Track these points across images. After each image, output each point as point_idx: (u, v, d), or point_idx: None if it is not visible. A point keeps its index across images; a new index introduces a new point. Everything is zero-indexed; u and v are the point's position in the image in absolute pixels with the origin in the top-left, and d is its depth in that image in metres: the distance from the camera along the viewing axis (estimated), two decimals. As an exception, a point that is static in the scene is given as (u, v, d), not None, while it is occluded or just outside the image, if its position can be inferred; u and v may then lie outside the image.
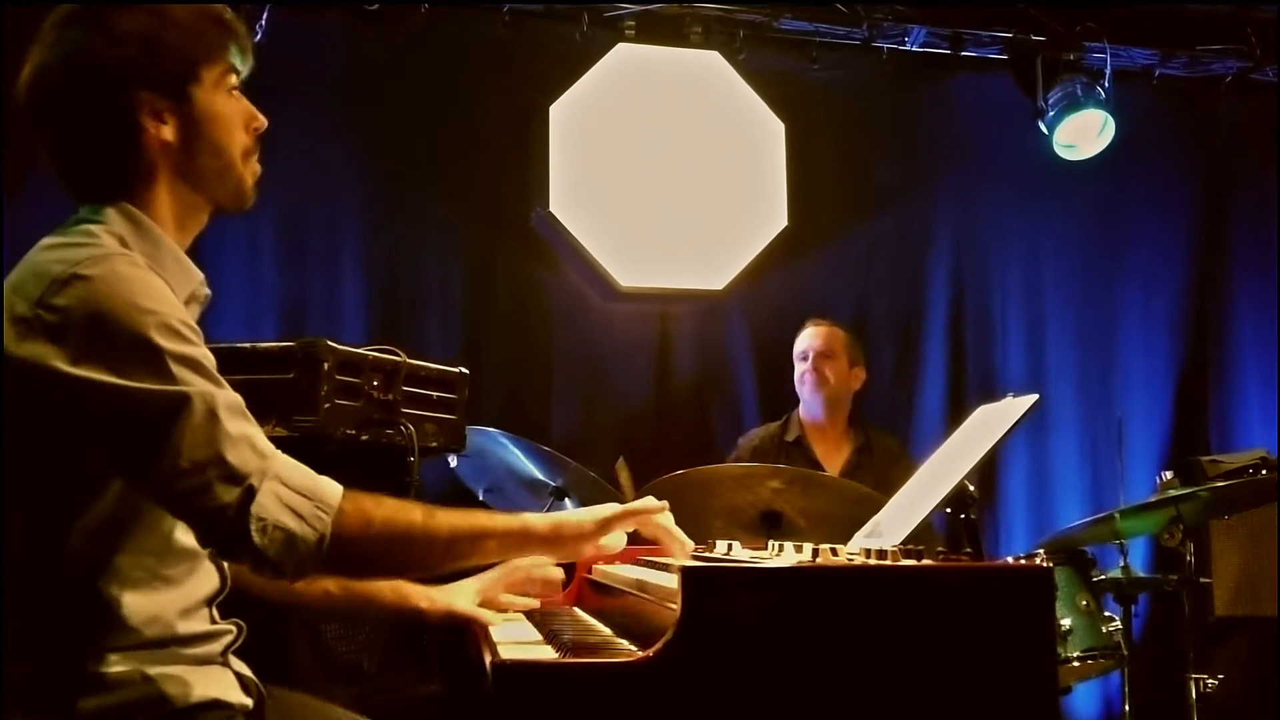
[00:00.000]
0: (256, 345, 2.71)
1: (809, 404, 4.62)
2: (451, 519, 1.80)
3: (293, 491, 1.65)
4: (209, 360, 1.68)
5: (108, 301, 1.62)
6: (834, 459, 4.56)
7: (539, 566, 2.41)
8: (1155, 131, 5.87)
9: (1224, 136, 5.97)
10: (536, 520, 1.93)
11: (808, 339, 4.64)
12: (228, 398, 1.66)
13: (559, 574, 2.47)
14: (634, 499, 4.08)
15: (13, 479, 1.68)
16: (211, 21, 1.85)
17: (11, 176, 4.04)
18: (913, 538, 2.15)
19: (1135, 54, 5.74)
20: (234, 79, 1.87)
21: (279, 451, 1.69)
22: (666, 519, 2.02)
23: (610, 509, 1.97)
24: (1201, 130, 5.96)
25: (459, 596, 2.29)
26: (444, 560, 1.83)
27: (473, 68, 5.18)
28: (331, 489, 1.69)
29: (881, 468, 4.35)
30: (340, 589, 2.16)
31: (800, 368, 4.61)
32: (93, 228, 1.74)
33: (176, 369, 1.62)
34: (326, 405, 2.68)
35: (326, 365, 2.69)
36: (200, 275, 1.87)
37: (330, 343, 2.72)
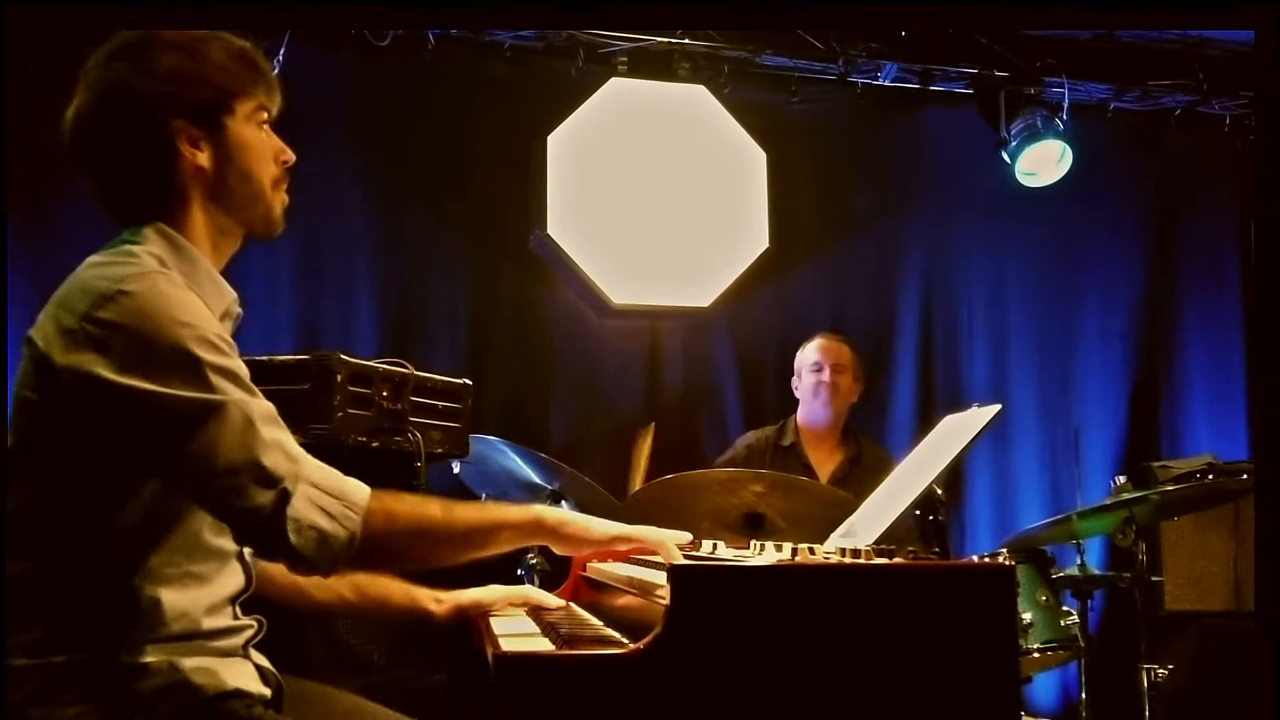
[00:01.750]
0: (274, 358, 2.72)
1: (814, 413, 4.56)
2: (468, 512, 1.83)
3: (323, 493, 1.66)
4: (244, 371, 1.69)
5: (150, 316, 1.63)
6: (826, 466, 4.54)
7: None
8: (1110, 161, 5.89)
9: (1174, 165, 5.99)
10: (546, 512, 1.96)
11: (822, 351, 4.57)
12: (262, 406, 1.68)
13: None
14: (644, 471, 4.07)
15: (57, 483, 1.69)
16: (244, 61, 1.88)
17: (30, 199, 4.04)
18: (893, 538, 2.16)
19: (1091, 88, 5.77)
20: (265, 115, 1.89)
21: (308, 455, 1.70)
22: (668, 547, 1.97)
23: (620, 529, 1.98)
24: (1153, 159, 5.99)
25: (466, 597, 2.30)
26: (463, 550, 1.84)
27: (476, 100, 5.19)
28: (359, 490, 1.71)
29: (869, 477, 4.27)
30: (355, 594, 2.16)
31: (812, 378, 4.54)
32: (134, 248, 1.75)
33: (214, 379, 1.64)
34: (339, 414, 2.69)
35: (339, 377, 2.70)
36: (234, 294, 1.89)
37: (343, 356, 2.73)
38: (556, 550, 2.01)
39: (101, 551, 1.69)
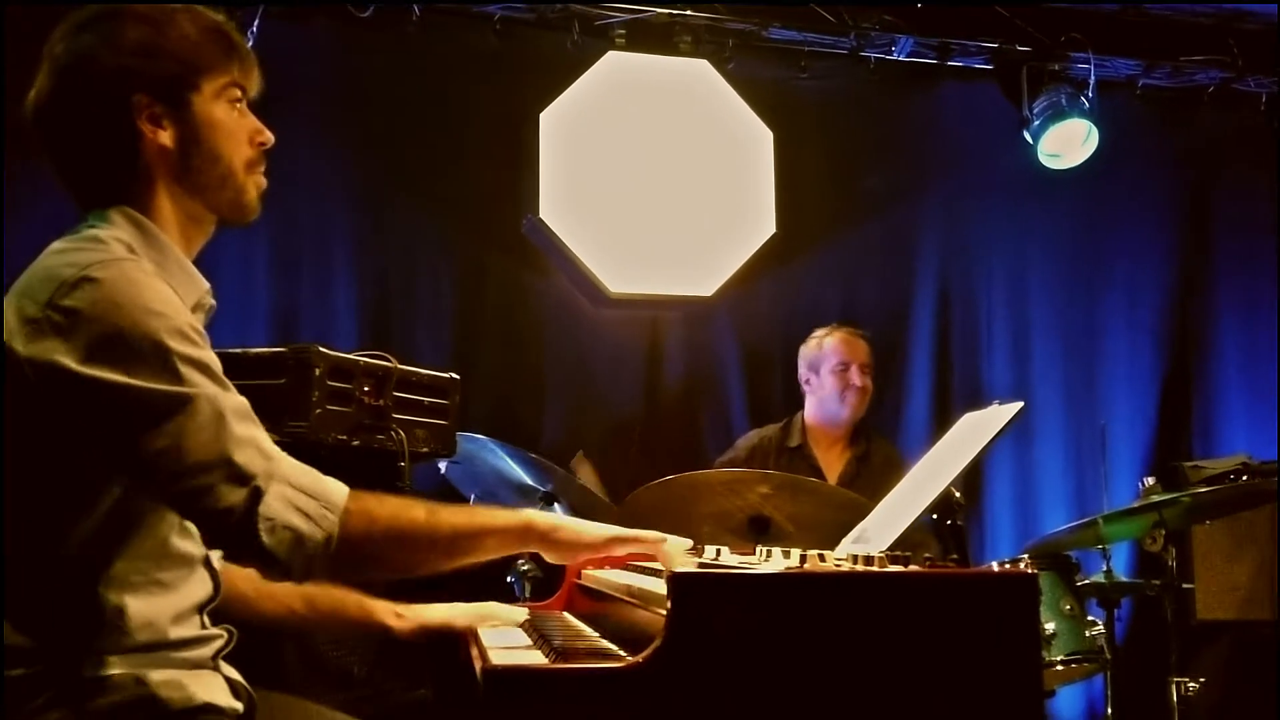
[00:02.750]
0: (249, 350, 2.71)
1: (834, 414, 4.53)
2: (453, 517, 1.82)
3: (299, 492, 1.66)
4: (216, 364, 1.69)
5: (117, 304, 1.63)
6: (834, 467, 4.53)
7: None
8: (1139, 141, 5.89)
9: (1206, 146, 5.99)
10: (537, 517, 1.94)
11: (849, 350, 4.54)
12: (234, 401, 1.68)
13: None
14: (603, 493, 4.06)
15: (16, 481, 1.68)
16: (216, 36, 1.87)
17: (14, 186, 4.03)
18: (909, 544, 2.15)
19: (1119, 64, 5.76)
20: (238, 93, 1.88)
21: (284, 453, 1.70)
22: (667, 552, 1.97)
23: (615, 531, 1.97)
24: (1184, 140, 5.99)
25: (430, 613, 2.28)
26: (447, 557, 1.83)
27: (464, 75, 5.18)
28: (337, 489, 1.71)
29: (878, 476, 4.24)
30: (304, 606, 2.16)
31: (837, 380, 4.50)
32: (100, 233, 1.75)
33: (185, 370, 1.63)
34: (318, 411, 2.68)
35: (318, 371, 2.69)
36: (206, 285, 1.88)
37: (322, 348, 2.72)
38: (549, 558, 2.00)
39: (63, 557, 1.69)
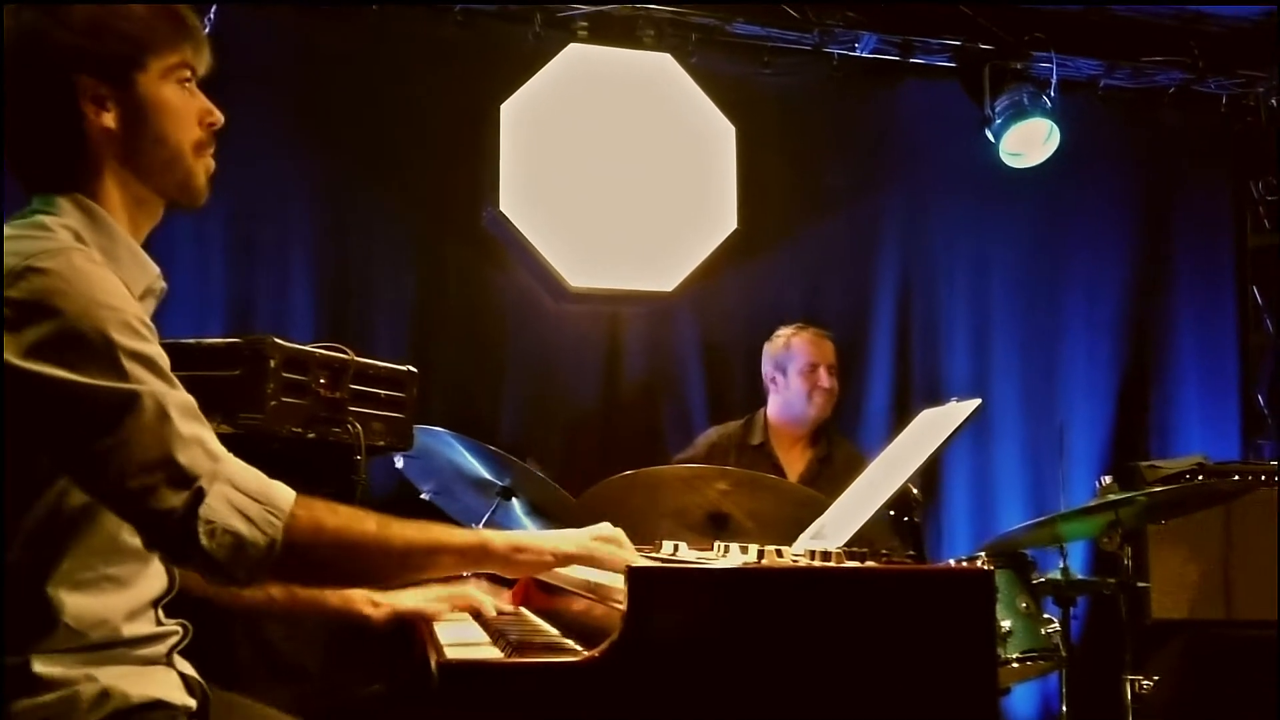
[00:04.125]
0: (202, 341, 2.68)
1: (801, 413, 4.52)
2: (407, 531, 1.77)
3: (243, 495, 1.63)
4: (163, 359, 1.66)
5: (63, 295, 1.60)
6: (795, 467, 4.53)
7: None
8: (1100, 141, 5.94)
9: (1166, 147, 6.07)
10: (495, 538, 1.89)
11: (819, 351, 4.54)
12: (180, 398, 1.65)
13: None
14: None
15: None
16: (165, 15, 1.83)
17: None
18: (866, 540, 2.17)
19: (1081, 64, 5.82)
20: (188, 73, 1.85)
21: (231, 455, 1.67)
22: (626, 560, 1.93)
23: (574, 544, 1.91)
24: (1144, 140, 6.05)
25: (404, 599, 2.28)
26: (397, 571, 1.82)
27: (424, 65, 5.16)
28: (284, 493, 1.67)
29: (840, 476, 4.22)
30: (284, 593, 2.14)
31: (804, 381, 4.49)
32: (46, 220, 1.72)
33: (130, 366, 1.60)
34: (272, 403, 2.66)
35: (273, 362, 2.67)
36: (156, 269, 1.85)
37: (277, 340, 2.70)
38: (508, 576, 1.98)
39: (8, 554, 1.66)
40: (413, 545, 1.78)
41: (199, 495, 1.60)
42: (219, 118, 1.89)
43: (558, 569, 1.97)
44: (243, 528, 1.62)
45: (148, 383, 1.61)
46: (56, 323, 1.59)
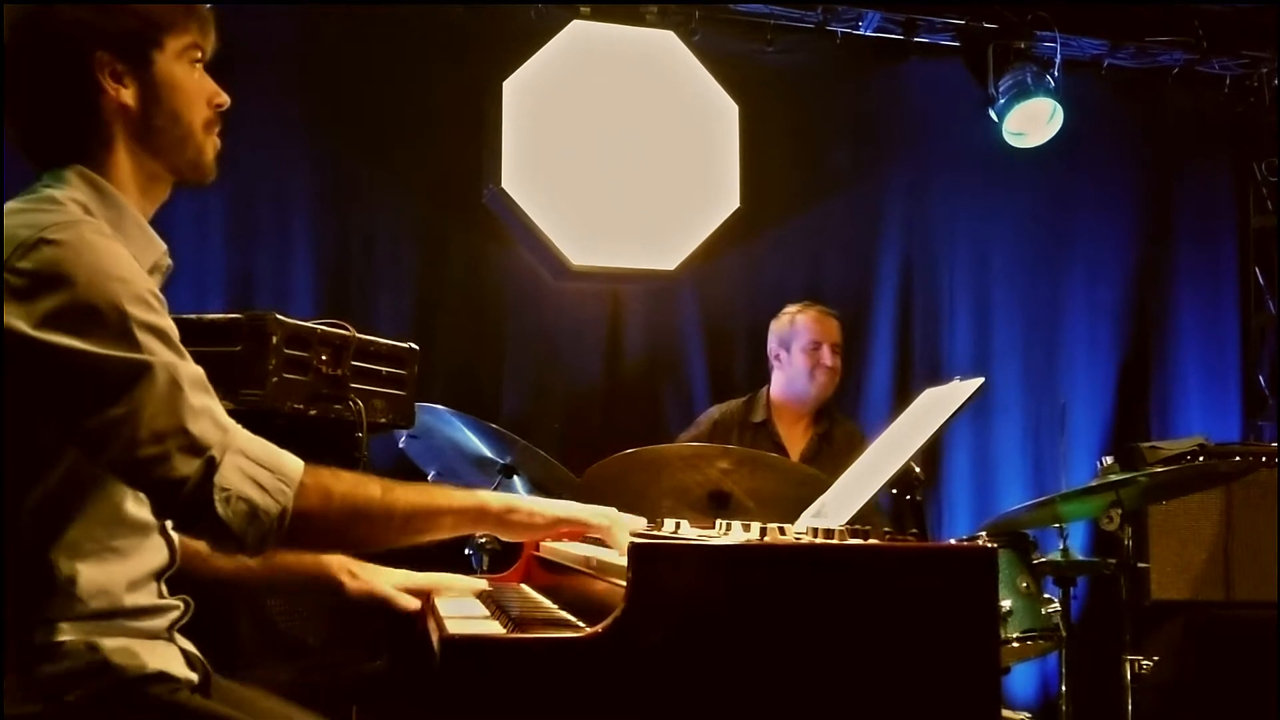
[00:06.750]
0: (204, 316, 2.68)
1: (803, 393, 4.51)
2: (409, 494, 1.81)
3: (255, 464, 1.65)
4: (174, 331, 1.68)
5: (75, 267, 1.61)
6: (798, 444, 4.53)
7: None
8: (1103, 121, 5.93)
9: (1170, 127, 6.05)
10: (491, 499, 1.94)
11: (824, 330, 4.52)
12: (191, 370, 1.67)
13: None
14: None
15: None
16: None
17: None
18: (868, 518, 2.17)
19: (1085, 44, 5.80)
20: (198, 54, 1.87)
21: (239, 425, 1.69)
22: (614, 534, 1.97)
23: (565, 511, 1.98)
24: (1148, 120, 6.04)
25: (383, 578, 2.28)
26: (401, 534, 1.83)
27: (426, 42, 5.14)
28: (293, 463, 1.70)
29: (841, 454, 4.20)
30: (260, 561, 2.14)
31: (807, 358, 4.48)
32: (56, 194, 1.73)
33: (143, 337, 1.62)
34: (274, 379, 2.66)
35: (275, 338, 2.67)
36: (163, 246, 1.87)
37: (279, 316, 2.70)
38: (503, 538, 2.01)
39: (14, 524, 1.67)
40: (415, 508, 1.82)
41: (212, 464, 1.62)
42: (226, 99, 1.92)
43: (555, 544, 1.97)
44: (256, 496, 1.64)
45: (160, 354, 1.63)
46: (70, 293, 1.60)
